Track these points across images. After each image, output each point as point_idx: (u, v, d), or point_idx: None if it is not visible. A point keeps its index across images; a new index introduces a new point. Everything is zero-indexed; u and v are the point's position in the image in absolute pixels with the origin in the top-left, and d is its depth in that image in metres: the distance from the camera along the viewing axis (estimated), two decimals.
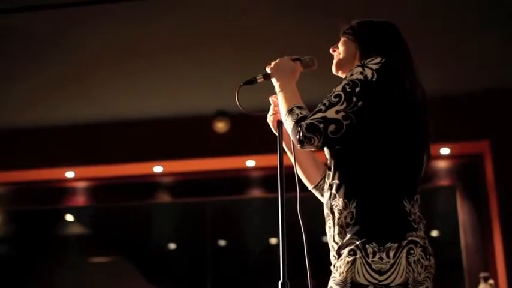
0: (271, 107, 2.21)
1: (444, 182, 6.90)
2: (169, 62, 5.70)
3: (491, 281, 5.71)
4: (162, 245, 8.20)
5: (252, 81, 2.17)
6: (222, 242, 8.07)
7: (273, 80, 2.12)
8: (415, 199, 1.90)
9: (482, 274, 5.76)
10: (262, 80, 2.16)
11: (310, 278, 1.99)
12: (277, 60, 2.16)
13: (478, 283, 5.80)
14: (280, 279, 1.92)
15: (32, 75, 5.88)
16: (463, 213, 6.70)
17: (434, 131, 1.99)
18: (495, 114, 6.30)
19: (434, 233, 7.08)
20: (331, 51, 2.17)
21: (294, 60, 2.16)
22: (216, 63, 5.75)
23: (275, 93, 2.12)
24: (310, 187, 2.23)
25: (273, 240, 7.57)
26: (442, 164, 6.87)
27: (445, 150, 6.69)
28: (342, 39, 2.13)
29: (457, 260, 6.53)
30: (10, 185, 7.63)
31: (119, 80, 6.07)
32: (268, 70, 2.15)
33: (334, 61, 2.14)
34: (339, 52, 2.13)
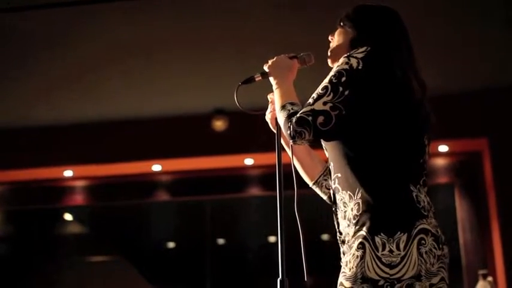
0: (269, 104, 2.22)
1: (443, 179, 6.90)
2: (167, 61, 5.71)
3: (489, 278, 5.71)
4: (161, 243, 8.20)
5: (249, 80, 2.17)
6: (220, 240, 8.07)
7: (271, 78, 2.13)
8: (421, 183, 1.86)
9: (481, 271, 5.76)
10: (260, 78, 2.16)
11: (306, 274, 1.99)
12: (274, 59, 2.16)
13: (476, 280, 5.81)
14: (279, 277, 1.92)
15: (30, 75, 5.88)
16: (461, 210, 6.71)
17: (434, 116, 1.96)
18: (493, 112, 6.31)
19: None
20: (329, 38, 2.16)
21: (291, 57, 2.16)
22: (214, 62, 5.75)
23: (273, 91, 2.12)
24: (310, 184, 2.22)
25: (272, 238, 7.58)
26: (440, 162, 6.88)
27: (443, 148, 6.69)
28: (338, 29, 2.12)
29: (455, 258, 6.54)
30: (8, 184, 7.62)
31: (117, 79, 6.07)
32: (265, 68, 2.15)
33: (329, 54, 2.13)
34: (333, 45, 2.12)
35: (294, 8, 4.94)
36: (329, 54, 2.12)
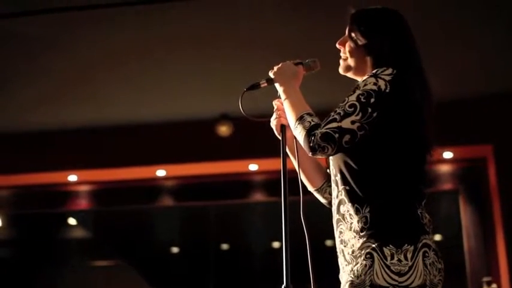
0: (275, 111, 2.22)
1: (447, 186, 6.89)
2: (172, 65, 5.71)
3: (494, 286, 5.70)
4: (165, 248, 8.19)
5: (255, 86, 2.18)
6: (224, 246, 8.07)
7: (276, 85, 2.13)
8: (423, 204, 1.94)
9: (485, 278, 5.75)
10: (265, 84, 2.17)
11: (313, 281, 1.99)
12: (279, 65, 2.16)
13: (481, 287, 5.79)
14: (283, 283, 1.92)
15: (34, 79, 5.89)
16: (466, 217, 6.69)
17: (435, 137, 2.02)
18: (498, 119, 6.30)
19: (437, 237, 7.06)
20: (337, 45, 2.16)
21: (296, 64, 2.17)
22: (220, 67, 5.75)
23: (278, 97, 2.13)
24: (312, 189, 2.23)
25: (276, 244, 7.57)
26: (445, 168, 6.87)
27: (448, 155, 6.68)
28: (349, 42, 2.12)
29: (460, 264, 6.52)
30: (13, 188, 7.63)
31: (121, 84, 6.08)
32: (271, 75, 2.16)
33: (342, 64, 2.14)
34: (346, 55, 2.13)
35: (302, 11, 4.93)
36: (342, 64, 2.14)
